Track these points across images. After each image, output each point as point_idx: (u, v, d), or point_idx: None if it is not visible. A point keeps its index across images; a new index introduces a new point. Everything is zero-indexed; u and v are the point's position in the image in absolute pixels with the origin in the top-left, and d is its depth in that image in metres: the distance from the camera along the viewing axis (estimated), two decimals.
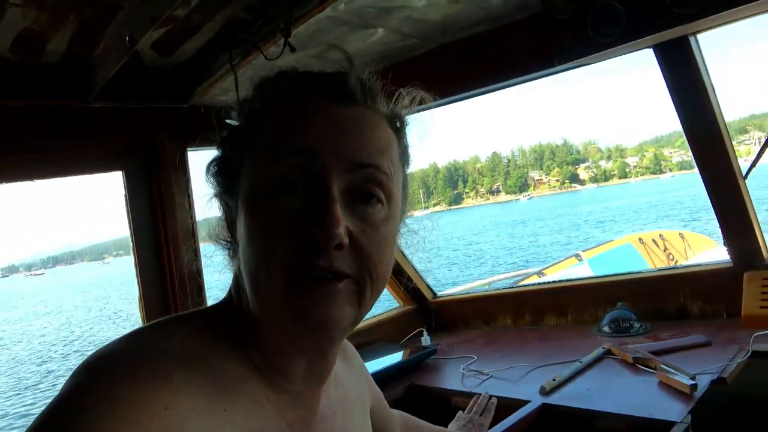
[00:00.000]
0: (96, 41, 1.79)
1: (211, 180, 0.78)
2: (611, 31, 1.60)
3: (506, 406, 1.84)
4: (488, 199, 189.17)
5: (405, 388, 2.20)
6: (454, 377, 2.20)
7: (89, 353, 0.63)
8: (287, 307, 0.65)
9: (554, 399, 1.82)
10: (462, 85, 2.19)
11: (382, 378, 2.10)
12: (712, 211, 2.27)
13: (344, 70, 0.73)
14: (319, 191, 0.65)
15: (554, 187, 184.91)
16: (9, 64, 1.70)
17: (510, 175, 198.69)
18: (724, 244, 2.35)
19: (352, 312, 0.68)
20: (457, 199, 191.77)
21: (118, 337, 0.66)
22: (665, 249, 6.71)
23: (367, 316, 0.80)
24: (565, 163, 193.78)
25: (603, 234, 34.31)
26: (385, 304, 3.13)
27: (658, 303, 2.50)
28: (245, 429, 0.66)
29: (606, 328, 2.44)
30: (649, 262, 6.38)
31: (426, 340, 2.65)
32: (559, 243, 33.44)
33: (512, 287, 3.09)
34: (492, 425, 1.70)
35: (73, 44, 1.76)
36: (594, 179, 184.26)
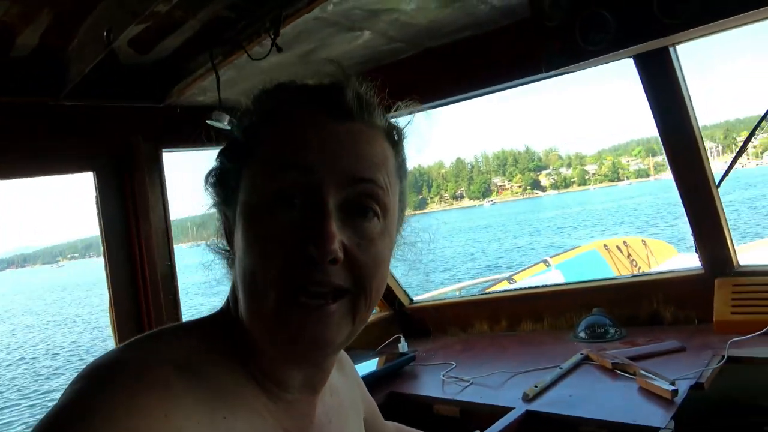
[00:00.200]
0: (71, 36, 1.71)
1: (210, 190, 0.78)
2: (600, 39, 1.62)
3: (490, 413, 1.83)
4: (452, 204, 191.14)
5: (385, 396, 2.17)
6: (434, 384, 2.18)
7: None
8: (280, 325, 0.65)
9: (537, 406, 1.82)
10: (446, 90, 2.19)
11: None
12: (685, 218, 2.33)
13: (341, 84, 0.73)
14: (315, 206, 0.66)
15: (516, 193, 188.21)
16: None
17: (473, 181, 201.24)
18: (696, 252, 2.41)
19: (346, 329, 0.69)
20: (421, 204, 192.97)
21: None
22: (629, 255, 6.90)
23: None
24: (527, 169, 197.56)
25: (563, 239, 35.11)
26: None
27: (631, 309, 2.54)
28: None
29: (582, 334, 2.47)
30: (613, 268, 6.54)
31: (403, 346, 2.62)
32: (521, 248, 34.01)
33: (488, 293, 3.11)
34: None
35: (45, 38, 1.68)
36: (555, 186, 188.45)
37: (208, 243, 0.81)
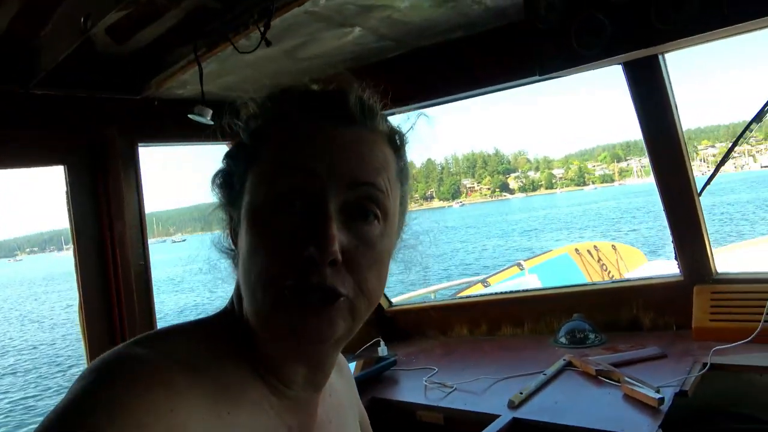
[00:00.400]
0: (44, 21, 1.61)
1: (216, 191, 0.81)
2: (595, 43, 1.60)
3: (475, 420, 1.80)
4: (422, 205, 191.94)
5: (367, 401, 2.12)
6: (416, 390, 2.15)
7: None
8: (280, 322, 0.67)
9: (524, 413, 1.79)
10: (434, 91, 2.16)
11: None
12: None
13: (345, 91, 0.76)
14: (317, 209, 0.67)
15: (485, 195, 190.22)
16: None
17: (443, 182, 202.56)
18: (675, 258, 2.44)
19: (346, 325, 0.70)
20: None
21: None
22: (599, 260, 7.00)
23: None
24: (497, 172, 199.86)
25: (530, 242, 35.64)
26: None
27: (611, 314, 2.56)
28: (248, 431, 0.68)
29: (563, 339, 2.46)
30: (584, 273, 6.63)
31: (383, 350, 2.58)
32: (490, 249, 34.36)
33: (468, 297, 3.09)
34: None
35: (15, 23, 1.58)
36: (523, 189, 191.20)
37: (213, 241, 0.82)
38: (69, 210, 1.92)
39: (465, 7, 1.78)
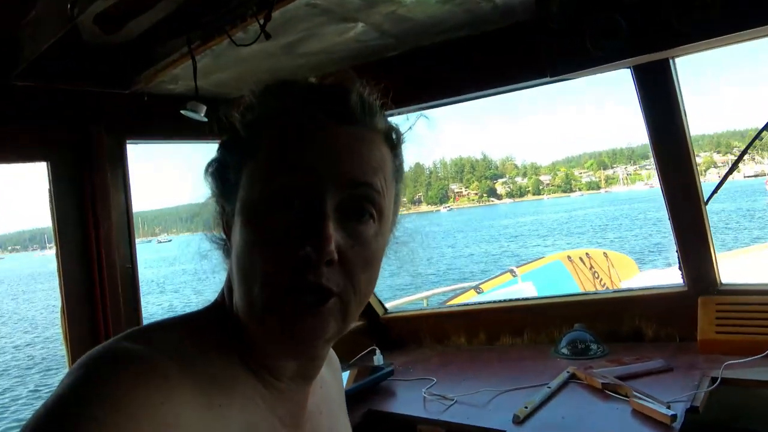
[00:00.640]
0: (26, 8, 1.51)
1: (209, 180, 0.79)
2: (611, 45, 1.53)
3: None
4: (410, 209, 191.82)
5: (363, 414, 2.03)
6: (415, 402, 2.06)
7: None
8: (273, 321, 0.68)
9: (530, 428, 1.72)
10: (437, 91, 2.08)
11: None
12: (672, 233, 2.29)
13: (346, 87, 0.75)
14: (314, 208, 0.67)
15: (473, 200, 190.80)
16: None
17: (431, 187, 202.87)
18: (680, 268, 2.38)
19: (337, 325, 0.71)
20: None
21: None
22: (591, 267, 6.97)
23: None
24: (484, 177, 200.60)
25: (518, 248, 35.75)
26: None
27: (612, 324, 2.49)
28: (239, 424, 0.68)
29: (564, 350, 2.40)
30: (576, 280, 6.60)
31: (379, 359, 2.49)
32: (479, 255, 34.41)
33: (466, 305, 3.02)
34: None
35: None
36: (510, 194, 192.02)
37: (205, 233, 0.82)
38: (51, 209, 1.80)
39: (472, 5, 1.70)
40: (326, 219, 0.66)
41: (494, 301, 2.93)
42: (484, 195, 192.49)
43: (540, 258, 7.20)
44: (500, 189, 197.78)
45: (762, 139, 2.06)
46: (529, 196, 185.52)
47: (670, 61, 1.86)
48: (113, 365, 0.61)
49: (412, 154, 0.84)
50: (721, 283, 2.31)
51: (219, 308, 0.78)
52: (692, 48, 1.57)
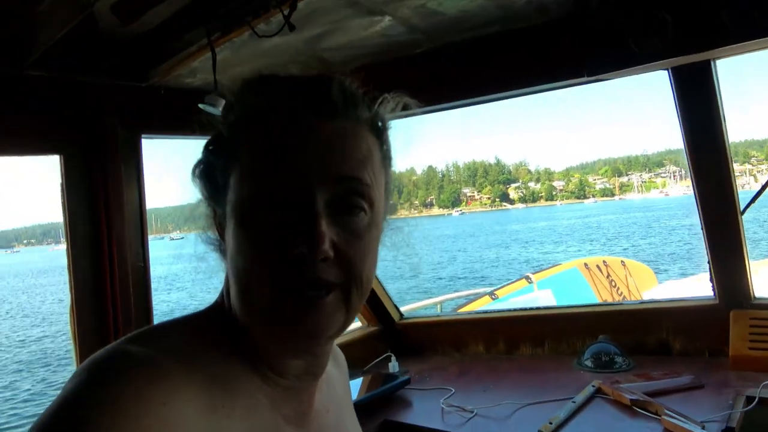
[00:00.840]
0: None
1: (197, 182, 0.79)
2: (655, 44, 1.44)
3: None
4: (422, 212, 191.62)
5: (379, 424, 1.95)
6: (433, 413, 1.98)
7: None
8: (275, 320, 0.69)
9: None
10: (466, 90, 1.99)
11: None
12: (705, 244, 2.19)
13: (327, 80, 0.74)
14: (305, 207, 0.68)
15: (485, 204, 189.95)
16: None
17: (444, 190, 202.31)
18: (711, 280, 2.28)
19: (341, 318, 0.71)
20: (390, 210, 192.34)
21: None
22: (608, 275, 6.84)
23: None
24: (497, 182, 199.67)
25: (528, 253, 35.50)
26: None
27: (638, 337, 2.40)
28: (243, 424, 0.69)
29: (588, 362, 2.30)
30: (593, 289, 6.47)
31: (394, 366, 2.42)
32: (491, 260, 34.20)
33: (485, 312, 2.93)
34: None
35: None
36: (523, 199, 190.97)
37: (200, 234, 0.82)
38: (63, 204, 1.75)
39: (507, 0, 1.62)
40: (318, 218, 0.67)
41: (513, 309, 2.85)
42: (497, 199, 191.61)
43: (556, 264, 7.10)
44: (513, 194, 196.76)
45: None
46: (542, 202, 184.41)
47: (712, 63, 1.76)
48: (115, 368, 0.61)
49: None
50: (754, 297, 2.21)
51: (219, 309, 0.79)
52: (739, 48, 1.48)
